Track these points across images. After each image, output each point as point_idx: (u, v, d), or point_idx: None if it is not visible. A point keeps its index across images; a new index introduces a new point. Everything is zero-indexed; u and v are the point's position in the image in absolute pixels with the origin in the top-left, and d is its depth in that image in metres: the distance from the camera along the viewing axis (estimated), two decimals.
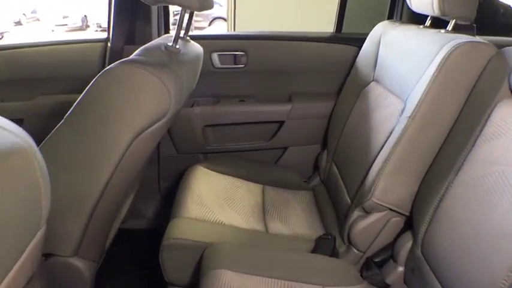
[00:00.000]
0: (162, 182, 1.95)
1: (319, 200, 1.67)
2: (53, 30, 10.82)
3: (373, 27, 1.64)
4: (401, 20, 1.90)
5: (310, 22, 3.20)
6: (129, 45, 1.67)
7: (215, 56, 1.82)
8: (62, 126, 1.07)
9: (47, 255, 1.15)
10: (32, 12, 11.78)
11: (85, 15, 10.94)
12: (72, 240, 1.11)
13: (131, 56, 1.15)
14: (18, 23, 11.03)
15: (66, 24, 10.87)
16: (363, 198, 1.27)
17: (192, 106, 1.82)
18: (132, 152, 1.07)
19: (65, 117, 1.06)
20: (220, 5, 7.65)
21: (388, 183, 1.22)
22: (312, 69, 1.92)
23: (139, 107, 1.04)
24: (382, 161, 1.23)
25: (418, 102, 1.16)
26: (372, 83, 1.54)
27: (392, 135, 1.24)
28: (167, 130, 1.74)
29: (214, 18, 9.39)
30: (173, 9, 1.91)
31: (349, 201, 1.42)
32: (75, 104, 1.05)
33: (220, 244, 1.19)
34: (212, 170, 1.66)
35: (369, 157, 1.34)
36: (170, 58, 1.19)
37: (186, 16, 1.31)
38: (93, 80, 1.04)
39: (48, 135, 1.08)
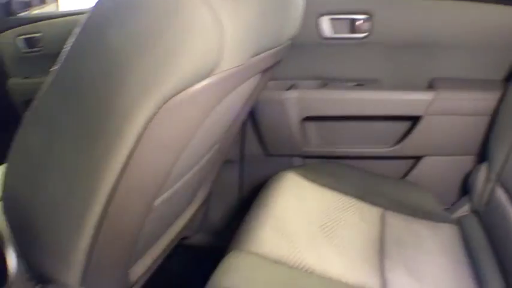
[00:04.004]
0: (243, 190, 1.66)
1: (470, 240, 1.22)
2: None
3: None
4: None
5: None
6: None
7: (325, 21, 1.45)
8: (45, 96, 0.77)
9: (43, 282, 0.92)
10: None
11: None
12: (73, 264, 0.85)
13: None
14: None
15: None
16: None
17: (288, 89, 1.47)
18: (155, 132, 0.71)
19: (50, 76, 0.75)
20: None
21: None
22: (469, 43, 1.46)
23: (166, 50, 0.66)
24: None
25: None
26: None
27: None
28: (253, 122, 1.45)
29: None
30: None
31: None
32: (64, 51, 0.73)
33: None
34: (309, 180, 1.28)
35: None
36: None
37: None
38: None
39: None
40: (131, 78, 0.66)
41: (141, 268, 1.10)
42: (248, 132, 1.54)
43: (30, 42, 1.98)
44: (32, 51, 1.97)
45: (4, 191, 0.90)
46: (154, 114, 0.69)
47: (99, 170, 0.74)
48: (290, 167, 1.40)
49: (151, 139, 0.72)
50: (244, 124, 1.51)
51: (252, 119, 1.49)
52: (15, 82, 2.02)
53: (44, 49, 1.92)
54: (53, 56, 1.81)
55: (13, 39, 1.96)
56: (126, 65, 0.66)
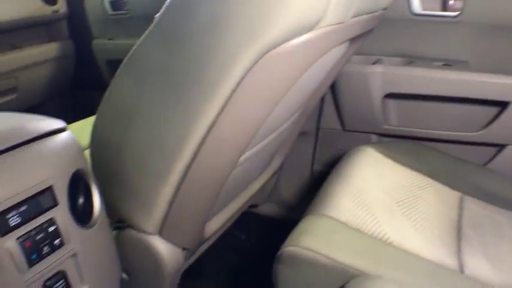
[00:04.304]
0: (316, 164, 1.62)
1: None
2: None
3: None
4: None
5: None
6: None
7: None
8: (145, 43, 0.77)
9: (119, 226, 0.96)
10: None
11: None
12: (154, 212, 0.88)
13: None
14: None
15: None
16: None
17: (373, 64, 1.41)
18: (252, 83, 0.71)
19: (153, 24, 0.75)
20: None
21: None
22: None
23: (273, 1, 0.64)
24: None
25: None
26: None
27: None
28: (333, 95, 1.41)
29: None
30: None
31: None
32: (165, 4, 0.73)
33: (378, 281, 0.76)
34: (388, 156, 1.23)
35: None
36: None
37: None
38: None
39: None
40: (235, 27, 0.66)
41: (215, 225, 1.10)
42: (326, 106, 1.50)
43: (116, 5, 2.02)
44: (118, 14, 2.01)
45: (93, 138, 0.92)
46: (254, 64, 0.69)
47: (191, 120, 0.75)
48: (366, 144, 1.36)
49: (247, 89, 0.71)
50: (322, 98, 1.49)
51: (332, 92, 1.46)
52: (99, 43, 2.08)
53: (130, 12, 1.95)
54: (138, 19, 1.87)
55: (100, 2, 2.00)
56: (232, 14, 0.65)
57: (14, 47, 2.05)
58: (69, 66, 2.21)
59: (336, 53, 1.04)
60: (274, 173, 1.42)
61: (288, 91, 0.79)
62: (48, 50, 2.09)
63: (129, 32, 1.96)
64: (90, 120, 1.27)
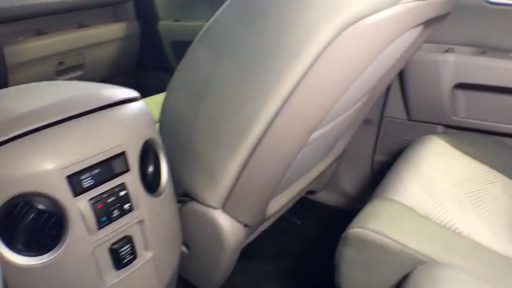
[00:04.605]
0: (377, 154, 1.59)
1: None
2: None
3: None
4: None
5: None
6: None
7: None
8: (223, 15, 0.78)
9: (182, 199, 0.97)
10: None
11: None
12: (220, 185, 0.88)
13: None
14: None
15: None
16: None
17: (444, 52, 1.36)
18: (333, 55, 0.70)
19: None
20: None
21: None
22: None
23: None
24: None
25: None
26: None
27: None
28: (401, 84, 1.39)
29: None
30: None
31: None
32: None
33: (448, 269, 0.74)
34: (455, 147, 1.20)
35: None
36: None
37: None
38: None
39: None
40: None
41: (277, 205, 1.11)
42: (392, 95, 1.47)
43: None
44: None
45: (164, 110, 0.94)
46: (334, 38, 0.68)
47: (267, 92, 0.75)
48: (433, 133, 1.32)
49: (325, 64, 0.71)
50: (388, 86, 1.45)
51: (400, 80, 1.43)
52: (165, 24, 2.10)
53: None
54: (205, 1, 1.87)
55: None
56: None
57: (81, 25, 2.11)
58: (134, 46, 2.25)
59: (410, 36, 1.02)
60: (335, 160, 1.40)
61: (364, 70, 0.77)
62: (114, 30, 2.14)
63: (196, 13, 1.97)
64: (155, 98, 1.30)
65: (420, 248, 0.80)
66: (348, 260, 0.87)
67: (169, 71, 2.11)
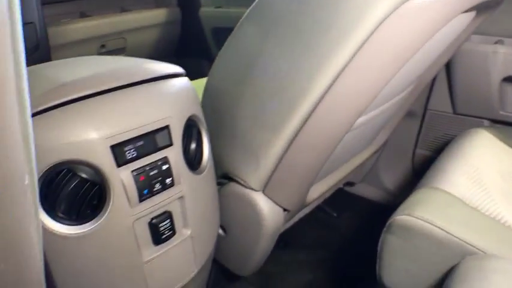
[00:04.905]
0: (419, 147, 1.54)
1: None
2: None
3: None
4: None
5: None
6: None
7: None
8: None
9: (221, 181, 0.96)
10: None
11: None
12: (262, 167, 0.86)
13: None
14: None
15: None
16: None
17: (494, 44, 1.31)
18: (382, 37, 0.68)
19: None
20: None
21: None
22: None
23: None
24: None
25: None
26: None
27: None
28: (447, 76, 1.34)
29: None
30: None
31: None
32: None
33: (497, 260, 0.71)
34: (503, 141, 1.16)
35: None
36: None
37: None
38: None
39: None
40: None
41: (318, 191, 1.09)
42: (437, 87, 1.43)
43: None
44: None
45: (207, 88, 0.92)
46: (389, 14, 0.66)
47: (316, 70, 0.72)
48: (480, 126, 1.28)
49: (378, 42, 0.68)
50: (434, 79, 1.41)
51: (447, 72, 1.38)
52: (207, 10, 2.11)
53: None
54: None
55: None
56: None
57: (124, 10, 2.14)
58: (175, 32, 2.26)
59: (460, 23, 0.98)
60: (376, 151, 1.37)
61: (415, 53, 0.74)
62: (156, 15, 2.16)
63: (237, 0, 1.97)
64: (197, 82, 1.29)
65: (469, 239, 0.77)
66: (392, 249, 0.84)
67: (210, 58, 2.12)
